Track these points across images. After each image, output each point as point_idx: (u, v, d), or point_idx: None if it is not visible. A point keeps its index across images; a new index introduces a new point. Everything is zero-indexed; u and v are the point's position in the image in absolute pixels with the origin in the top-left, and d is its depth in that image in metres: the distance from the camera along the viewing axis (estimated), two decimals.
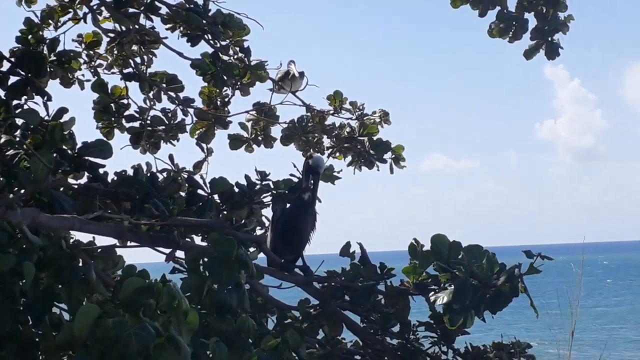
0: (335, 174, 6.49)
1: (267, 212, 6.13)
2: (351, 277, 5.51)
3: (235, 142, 7.71)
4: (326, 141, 7.79)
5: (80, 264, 4.24)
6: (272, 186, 6.00)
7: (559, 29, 7.07)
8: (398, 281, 5.48)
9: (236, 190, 5.98)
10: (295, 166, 6.15)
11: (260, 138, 7.75)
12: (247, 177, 5.94)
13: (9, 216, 4.22)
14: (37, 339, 4.03)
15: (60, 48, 6.78)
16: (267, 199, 6.01)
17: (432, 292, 5.08)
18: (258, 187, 5.91)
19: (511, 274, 4.98)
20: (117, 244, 5.25)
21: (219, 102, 7.49)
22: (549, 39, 7.12)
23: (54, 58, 6.58)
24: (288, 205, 5.73)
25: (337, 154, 7.73)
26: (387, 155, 7.60)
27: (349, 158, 7.70)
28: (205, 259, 4.30)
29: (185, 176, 6.07)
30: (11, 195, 4.79)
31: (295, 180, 6.06)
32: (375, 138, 7.62)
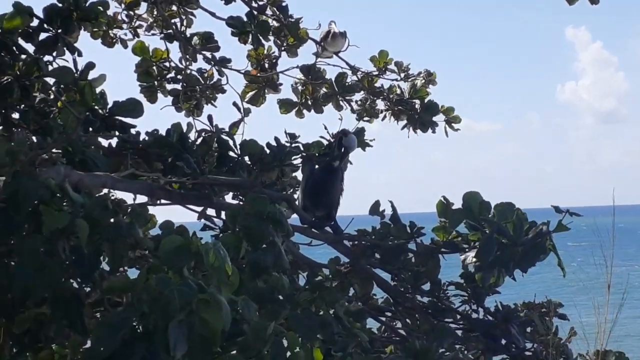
0: (367, 140, 6.45)
1: (298, 174, 6.15)
2: (381, 236, 5.52)
3: (286, 106, 7.66)
4: (380, 104, 7.74)
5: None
6: (302, 148, 5.99)
7: None
8: (427, 241, 5.49)
9: (267, 151, 5.95)
10: (326, 128, 6.18)
11: (310, 102, 7.69)
12: (276, 139, 5.93)
13: (49, 173, 4.26)
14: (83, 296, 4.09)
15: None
16: (297, 161, 5.98)
17: (462, 252, 5.09)
18: (287, 149, 5.89)
19: (539, 232, 4.96)
20: (149, 202, 5.30)
21: (266, 65, 7.46)
22: None
23: (81, 13, 6.53)
24: (317, 166, 5.78)
25: (392, 118, 7.70)
26: (439, 118, 7.54)
27: (403, 121, 7.67)
28: (240, 218, 4.31)
29: (215, 138, 6.07)
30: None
31: (325, 142, 6.06)
32: (426, 100, 7.57)
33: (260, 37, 6.99)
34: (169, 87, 7.52)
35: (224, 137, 5.96)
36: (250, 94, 7.64)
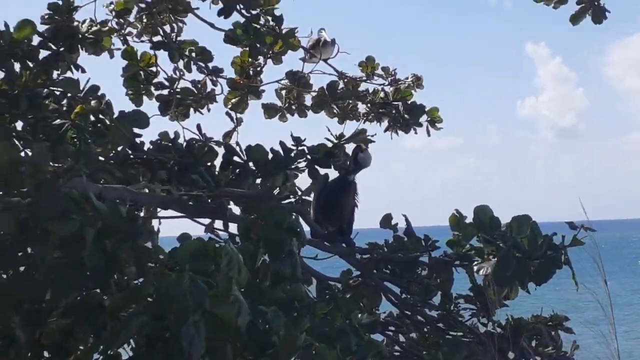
0: (369, 137, 6.44)
1: (302, 179, 6.15)
2: (394, 249, 5.54)
3: (270, 110, 7.70)
4: (361, 107, 7.77)
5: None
6: (307, 151, 5.96)
7: None
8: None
9: (271, 157, 5.93)
10: (329, 130, 6.18)
11: (294, 107, 7.72)
12: (282, 143, 5.90)
13: (75, 184, 4.24)
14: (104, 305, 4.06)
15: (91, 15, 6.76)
16: (302, 164, 5.97)
17: (476, 263, 5.12)
18: (294, 153, 5.87)
19: (555, 246, 5.01)
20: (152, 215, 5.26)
21: (251, 72, 7.46)
22: (595, 2, 6.98)
23: (89, 36, 6.49)
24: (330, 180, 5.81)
25: (373, 121, 7.73)
26: (423, 119, 7.58)
27: (385, 124, 7.70)
28: (258, 228, 4.31)
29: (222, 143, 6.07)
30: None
31: (330, 145, 6.04)
32: (409, 102, 7.59)
33: (259, 46, 6.98)
34: (156, 92, 7.49)
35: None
36: (233, 100, 7.64)
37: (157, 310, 3.40)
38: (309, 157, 5.83)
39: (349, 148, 6.09)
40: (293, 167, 5.79)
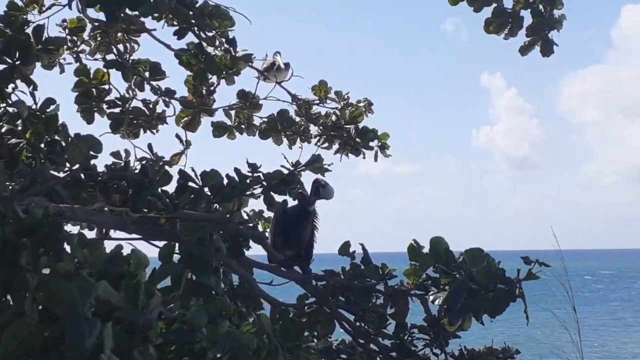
0: (325, 166, 6.43)
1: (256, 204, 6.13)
2: (351, 277, 5.53)
3: (219, 129, 7.70)
4: (313, 129, 7.81)
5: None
6: (262, 178, 5.94)
7: (554, 27, 7.08)
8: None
9: (226, 182, 5.89)
10: (285, 157, 6.14)
11: (243, 126, 7.73)
12: (237, 170, 5.87)
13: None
14: None
15: (44, 33, 6.65)
16: (257, 190, 5.94)
17: (432, 292, 5.13)
18: (249, 179, 5.83)
19: (509, 279, 5.05)
20: (97, 236, 5.21)
21: (204, 91, 7.45)
22: (544, 36, 7.09)
23: (41, 46, 6.40)
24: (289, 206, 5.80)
25: (324, 143, 7.76)
26: (373, 143, 7.64)
27: (336, 146, 7.75)
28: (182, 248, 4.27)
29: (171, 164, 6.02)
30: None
31: (285, 171, 6.01)
32: (360, 126, 7.66)
33: (207, 73, 6.95)
34: (108, 110, 7.43)
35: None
36: (186, 119, 7.62)
37: (49, 314, 3.31)
38: (264, 183, 5.79)
39: (305, 175, 6.08)
40: (249, 193, 5.75)
